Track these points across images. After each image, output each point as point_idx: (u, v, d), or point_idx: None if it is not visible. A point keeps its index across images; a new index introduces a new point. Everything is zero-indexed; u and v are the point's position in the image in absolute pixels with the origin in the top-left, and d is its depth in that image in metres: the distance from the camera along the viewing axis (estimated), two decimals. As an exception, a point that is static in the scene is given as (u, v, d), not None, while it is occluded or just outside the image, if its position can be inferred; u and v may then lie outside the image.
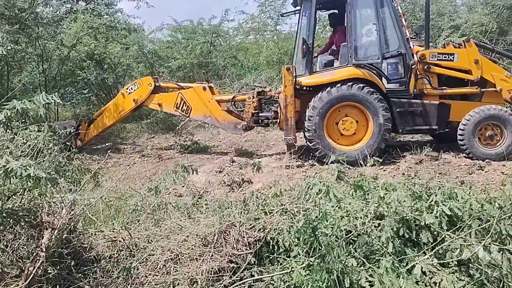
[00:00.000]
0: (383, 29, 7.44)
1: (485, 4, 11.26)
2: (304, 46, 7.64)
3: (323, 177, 3.49)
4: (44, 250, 2.85)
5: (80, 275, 3.15)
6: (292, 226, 2.99)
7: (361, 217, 2.73)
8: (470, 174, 6.45)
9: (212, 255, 2.96)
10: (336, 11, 8.53)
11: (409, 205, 2.63)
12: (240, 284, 2.80)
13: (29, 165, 2.34)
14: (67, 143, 8.27)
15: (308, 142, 7.56)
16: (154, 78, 9.15)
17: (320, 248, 2.50)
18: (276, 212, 3.16)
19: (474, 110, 7.12)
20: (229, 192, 6.46)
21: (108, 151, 9.12)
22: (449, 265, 2.45)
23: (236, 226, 3.16)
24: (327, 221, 2.65)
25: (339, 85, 7.18)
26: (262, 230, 3.15)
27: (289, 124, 7.52)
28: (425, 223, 2.55)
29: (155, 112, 12.13)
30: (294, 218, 2.97)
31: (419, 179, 3.71)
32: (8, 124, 3.18)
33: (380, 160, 6.38)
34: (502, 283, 2.32)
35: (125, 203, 4.29)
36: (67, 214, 3.15)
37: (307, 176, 3.71)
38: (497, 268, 2.31)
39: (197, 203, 4.73)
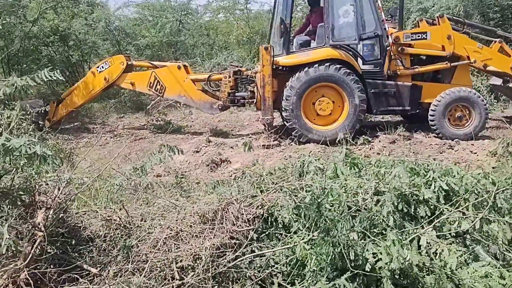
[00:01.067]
0: (360, 10, 7.55)
1: (452, -12, 11.59)
2: (281, 26, 7.63)
3: (317, 155, 3.56)
4: (42, 229, 2.79)
5: (76, 254, 3.10)
6: (291, 202, 3.06)
7: (361, 193, 2.83)
8: (441, 153, 6.74)
9: (213, 232, 2.99)
10: None
11: (408, 181, 2.76)
12: (243, 260, 2.85)
13: (33, 143, 2.27)
14: (39, 122, 8.02)
15: (285, 122, 7.66)
16: (126, 56, 8.92)
17: (325, 222, 2.57)
18: (275, 190, 3.22)
19: (444, 92, 7.41)
20: (208, 172, 6.48)
21: (78, 131, 8.95)
22: (446, 237, 2.59)
23: (234, 204, 3.20)
24: (332, 196, 2.74)
25: (316, 65, 7.29)
26: (260, 207, 3.20)
27: (267, 104, 7.57)
28: (423, 198, 2.68)
29: (123, 91, 11.85)
30: (295, 195, 3.03)
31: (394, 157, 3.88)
32: (6, 101, 3.04)
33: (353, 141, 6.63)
34: (496, 253, 2.49)
35: (109, 183, 4.22)
36: (62, 193, 3.08)
37: (301, 155, 3.77)
38: (492, 239, 2.47)
39: (181, 182, 4.74)
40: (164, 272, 2.84)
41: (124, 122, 10.58)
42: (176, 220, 3.17)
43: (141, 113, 11.20)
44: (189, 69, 8.83)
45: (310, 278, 2.62)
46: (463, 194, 2.67)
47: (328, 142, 7.01)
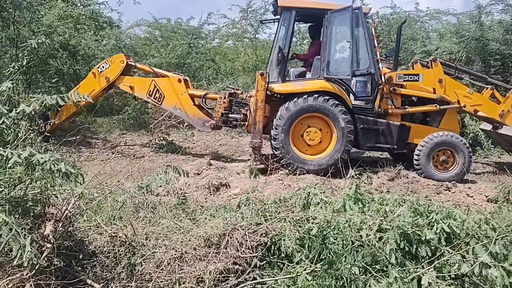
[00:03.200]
0: (356, 48, 7.79)
1: (455, 33, 11.94)
2: (279, 54, 7.82)
3: (320, 187, 3.65)
4: (51, 241, 2.84)
5: (79, 268, 3.14)
6: (295, 233, 3.13)
7: (365, 229, 2.91)
8: (438, 193, 6.83)
9: (217, 256, 3.05)
10: (313, 23, 8.77)
11: (411, 221, 2.85)
12: (245, 286, 2.90)
13: (58, 160, 2.35)
14: (41, 128, 8.07)
15: (273, 150, 7.80)
16: (126, 56, 9.03)
17: (329, 255, 2.64)
18: (279, 219, 3.29)
19: (428, 136, 7.57)
20: (208, 195, 6.53)
21: (79, 145, 9.00)
22: (445, 279, 2.67)
23: (239, 230, 3.26)
24: (339, 230, 2.82)
25: (307, 96, 7.46)
26: (264, 235, 3.27)
27: (257, 128, 7.70)
28: (425, 238, 2.76)
29: (127, 108, 11.99)
30: (299, 226, 3.11)
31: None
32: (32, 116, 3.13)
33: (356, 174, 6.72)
34: (494, 297, 2.56)
35: (112, 199, 4.27)
36: (72, 206, 3.14)
37: (306, 187, 3.85)
38: (490, 282, 2.55)
39: (184, 204, 4.79)
40: (167, 293, 2.89)
41: (126, 139, 10.65)
42: (181, 242, 3.24)
43: (144, 131, 11.29)
44: (189, 84, 8.93)
45: (310, 309, 2.67)
46: (464, 238, 2.76)
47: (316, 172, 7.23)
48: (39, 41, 8.18)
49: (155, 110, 12.19)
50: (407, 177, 7.50)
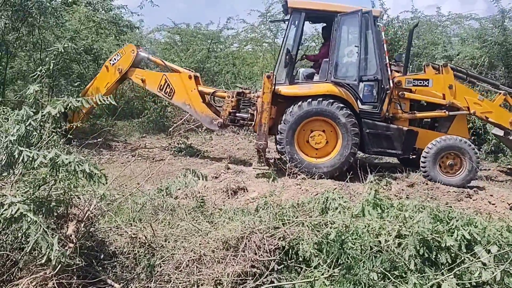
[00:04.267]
0: (364, 53, 7.72)
1: (477, 38, 11.76)
2: (287, 56, 7.82)
3: (338, 192, 3.65)
4: (74, 241, 2.91)
5: (100, 268, 3.21)
6: (313, 237, 3.14)
7: (384, 234, 2.90)
8: (458, 201, 6.72)
9: (235, 259, 3.07)
10: (326, 24, 8.69)
11: (431, 227, 2.82)
12: (263, 289, 2.91)
13: (82, 161, 2.42)
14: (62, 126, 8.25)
15: (279, 152, 7.79)
16: (137, 46, 9.11)
17: (347, 260, 2.64)
18: (297, 223, 3.30)
19: (436, 139, 7.48)
20: (226, 198, 6.57)
21: (100, 147, 9.15)
22: (466, 286, 2.63)
23: (257, 233, 3.28)
24: (358, 235, 2.82)
25: (314, 99, 7.46)
26: (282, 239, 3.28)
27: (262, 130, 7.70)
28: (445, 245, 2.73)
29: (147, 112, 12.15)
30: (317, 230, 3.11)
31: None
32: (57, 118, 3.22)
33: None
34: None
35: (132, 201, 4.33)
36: (94, 207, 3.21)
37: (324, 191, 3.85)
38: (512, 291, 2.51)
39: (202, 207, 4.82)
40: (185, 294, 2.93)
41: (146, 142, 10.79)
42: (200, 244, 3.27)
43: (163, 134, 11.41)
44: (199, 80, 8.97)
45: (328, 314, 2.67)
46: (485, 245, 2.72)
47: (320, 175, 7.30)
48: (65, 45, 8.39)
49: (174, 114, 12.33)
50: (427, 184, 7.42)
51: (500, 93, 7.97)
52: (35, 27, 9.92)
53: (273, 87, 7.59)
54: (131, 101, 13.14)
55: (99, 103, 3.18)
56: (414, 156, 7.91)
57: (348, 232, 2.88)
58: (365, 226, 3.07)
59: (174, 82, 8.72)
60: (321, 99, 7.44)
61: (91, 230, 3.28)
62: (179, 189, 5.50)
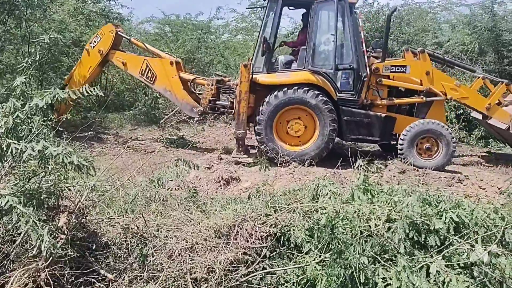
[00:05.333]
0: (340, 40, 7.77)
1: (467, 24, 11.79)
2: (264, 45, 7.81)
3: (330, 179, 3.67)
4: (65, 232, 2.90)
5: (92, 259, 3.21)
6: (304, 223, 3.16)
7: (374, 219, 2.93)
8: (449, 186, 6.79)
9: (227, 247, 3.09)
10: (305, 10, 8.62)
11: (420, 211, 2.85)
12: (255, 276, 2.94)
13: (70, 153, 2.41)
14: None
15: (257, 139, 7.85)
16: (115, 25, 9.03)
17: (338, 245, 2.67)
18: (288, 210, 3.32)
19: (413, 123, 7.58)
20: (218, 188, 6.58)
21: (91, 140, 9.10)
22: (454, 268, 2.67)
23: (248, 221, 3.30)
24: (347, 220, 2.84)
25: (292, 88, 7.50)
26: (273, 226, 3.30)
27: (241, 119, 7.75)
28: (434, 227, 2.77)
29: (138, 104, 12.08)
30: (308, 216, 3.13)
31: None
32: (45, 110, 3.20)
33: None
34: (502, 285, 2.56)
35: (124, 193, 4.33)
36: (85, 199, 3.21)
37: (314, 178, 3.87)
38: (499, 271, 2.55)
39: (195, 197, 4.83)
40: (178, 283, 2.94)
41: (137, 134, 10.75)
42: (192, 233, 3.28)
43: (154, 126, 11.38)
44: (181, 66, 8.90)
45: (319, 298, 2.70)
46: (473, 227, 2.77)
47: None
48: (51, 36, 8.28)
49: (166, 106, 12.27)
50: (418, 170, 7.47)
51: (478, 78, 8.05)
52: (22, 20, 9.78)
53: (250, 76, 7.59)
54: (122, 93, 13.07)
55: (86, 94, 3.16)
56: (394, 142, 7.99)
57: (339, 217, 2.90)
58: (355, 211, 3.10)
59: (155, 67, 8.66)
60: (298, 87, 7.47)
61: (82, 221, 3.28)
62: (172, 180, 5.52)
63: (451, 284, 2.45)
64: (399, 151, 7.63)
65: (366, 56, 7.74)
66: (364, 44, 7.79)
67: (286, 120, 7.72)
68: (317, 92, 7.46)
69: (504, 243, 2.64)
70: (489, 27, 11.03)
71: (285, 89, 7.48)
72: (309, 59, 7.62)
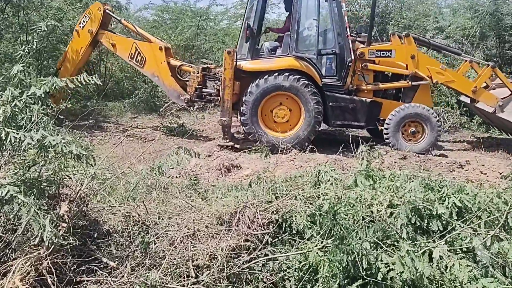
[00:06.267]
0: (322, 27, 7.73)
1: (469, 8, 11.67)
2: (247, 31, 7.70)
3: (331, 165, 3.65)
4: (66, 220, 2.90)
5: (94, 247, 3.21)
6: (306, 210, 3.15)
7: (376, 204, 2.92)
8: (451, 171, 6.78)
9: (229, 234, 3.09)
10: None
11: (422, 196, 2.84)
12: (257, 262, 2.94)
13: (69, 142, 2.39)
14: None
15: (242, 126, 7.83)
16: (103, 3, 8.90)
17: (340, 231, 2.66)
18: (290, 197, 3.31)
19: (398, 108, 7.59)
20: (219, 176, 6.57)
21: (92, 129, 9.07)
22: (457, 252, 2.67)
23: (250, 208, 3.29)
24: (349, 206, 2.83)
25: (276, 74, 7.46)
26: (275, 212, 3.30)
27: (225, 106, 7.72)
28: (436, 213, 2.76)
29: (137, 92, 12.01)
30: (310, 203, 3.12)
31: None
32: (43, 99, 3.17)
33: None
34: (505, 269, 2.56)
35: (126, 181, 4.32)
36: (86, 187, 3.20)
37: (316, 165, 3.85)
38: (502, 255, 2.55)
39: (196, 184, 4.82)
40: (180, 270, 2.94)
41: (138, 122, 10.71)
42: (193, 220, 3.28)
43: (155, 114, 11.33)
44: (171, 52, 8.85)
45: (321, 284, 2.70)
46: (476, 212, 2.75)
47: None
48: (48, 24, 8.20)
49: (165, 94, 12.21)
50: (419, 156, 7.46)
51: (465, 61, 8.00)
52: (20, 8, 9.69)
53: (234, 63, 7.53)
54: (121, 82, 12.99)
55: (84, 83, 3.12)
56: (383, 127, 7.96)
57: (341, 203, 2.89)
58: (358, 197, 3.08)
59: (145, 51, 8.58)
60: (282, 74, 7.42)
61: (83, 209, 3.27)
62: (172, 167, 5.51)
63: (454, 269, 2.45)
64: (384, 135, 7.65)
65: (350, 41, 7.67)
66: (348, 29, 7.72)
67: (271, 106, 7.70)
68: (302, 79, 7.42)
69: (507, 227, 2.63)
70: (491, 11, 10.91)
71: (271, 75, 7.45)
72: (293, 45, 7.56)
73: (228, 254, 2.94)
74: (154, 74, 8.65)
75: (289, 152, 7.59)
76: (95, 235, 3.23)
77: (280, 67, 7.51)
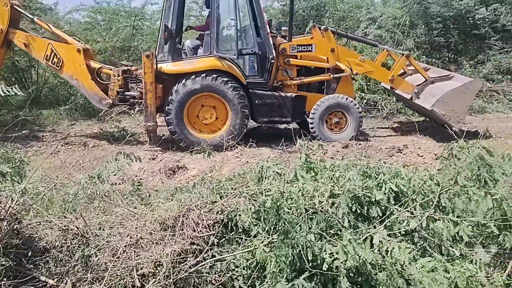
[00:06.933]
0: (240, 26, 7.76)
1: (398, -2, 12.18)
2: (166, 32, 7.51)
3: (276, 160, 3.67)
4: (-4, 241, 2.71)
5: (31, 265, 3.03)
6: (251, 207, 3.14)
7: (318, 196, 2.96)
8: (390, 156, 7.06)
9: (173, 239, 3.02)
10: None
11: (361, 184, 2.91)
12: (204, 265, 2.89)
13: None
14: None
15: (167, 125, 7.70)
16: None
17: (284, 225, 2.67)
18: (234, 195, 3.28)
19: (321, 99, 7.78)
20: (165, 179, 6.44)
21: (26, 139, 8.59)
22: (396, 236, 2.76)
23: (194, 210, 3.23)
24: (292, 199, 2.85)
25: (198, 76, 7.36)
26: (220, 212, 3.26)
27: (149, 111, 7.59)
28: (375, 199, 2.84)
29: (74, 98, 11.50)
30: (254, 200, 3.12)
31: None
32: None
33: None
34: (441, 247, 2.68)
35: (64, 192, 4.12)
36: (16, 203, 3.00)
37: (260, 160, 3.85)
38: (437, 236, 2.66)
39: (139, 190, 4.69)
40: (125, 280, 2.84)
41: (76, 129, 10.25)
42: (136, 228, 3.17)
43: (94, 120, 10.91)
44: (90, 54, 8.50)
45: (269, 280, 2.71)
46: (411, 195, 2.86)
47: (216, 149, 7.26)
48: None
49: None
50: (360, 144, 7.70)
51: (383, 50, 8.36)
52: None
53: (154, 66, 7.35)
54: (56, 88, 12.38)
55: (3, 95, 2.92)
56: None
57: (283, 198, 2.91)
58: (300, 190, 3.11)
59: (61, 52, 8.12)
60: (205, 74, 7.34)
61: (16, 227, 3.07)
62: (114, 174, 5.32)
63: (394, 252, 2.53)
64: (310, 127, 7.77)
65: (271, 38, 7.73)
66: (268, 26, 7.78)
67: (197, 108, 7.61)
68: (226, 79, 7.38)
69: (440, 207, 2.76)
70: (418, 0, 11.42)
71: (193, 76, 7.34)
72: (213, 44, 7.49)
73: (173, 259, 2.87)
74: (73, 77, 8.23)
75: (235, 148, 7.58)
76: (30, 253, 3.04)
77: (203, 68, 7.41)
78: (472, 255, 2.57)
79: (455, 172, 2.91)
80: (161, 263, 2.85)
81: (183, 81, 7.35)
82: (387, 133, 9.02)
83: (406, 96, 8.31)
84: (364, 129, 9.19)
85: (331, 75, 7.96)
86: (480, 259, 2.57)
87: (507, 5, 11.61)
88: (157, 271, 2.83)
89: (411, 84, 8.13)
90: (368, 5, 12.93)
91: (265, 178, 3.42)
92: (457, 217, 2.65)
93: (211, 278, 2.91)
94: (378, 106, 10.15)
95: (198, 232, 3.09)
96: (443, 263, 2.50)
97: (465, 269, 2.41)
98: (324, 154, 7.04)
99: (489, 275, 2.47)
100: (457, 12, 11.46)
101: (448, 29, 11.71)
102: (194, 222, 3.14)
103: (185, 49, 7.99)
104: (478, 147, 3.21)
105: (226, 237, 3.19)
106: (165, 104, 7.56)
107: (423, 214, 2.67)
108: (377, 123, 9.82)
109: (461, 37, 11.84)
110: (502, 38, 11.69)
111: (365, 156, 6.77)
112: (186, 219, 3.16)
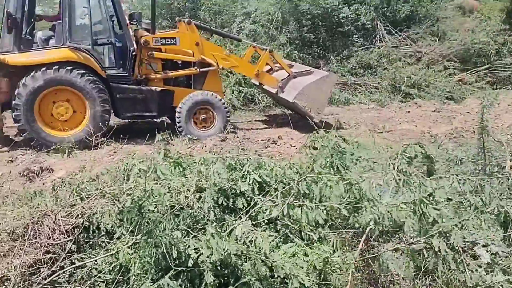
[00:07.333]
0: (94, 15, 7.41)
1: (270, -6, 12.53)
2: (9, 20, 6.88)
3: (143, 157, 3.53)
4: None
5: None
6: (114, 208, 2.97)
7: (183, 192, 2.90)
8: (266, 147, 7.31)
9: (24, 249, 2.72)
10: None
11: (226, 176, 2.92)
12: (62, 274, 2.66)
13: None
14: None
15: (15, 122, 7.15)
16: None
17: (147, 225, 2.57)
18: (95, 196, 3.08)
19: (186, 97, 7.74)
20: (26, 182, 5.87)
21: None
22: (261, 225, 2.83)
23: (49, 215, 2.96)
24: (154, 197, 2.74)
25: (50, 68, 6.90)
26: (80, 216, 3.03)
27: None
28: (240, 190, 2.87)
29: None
30: (117, 200, 2.95)
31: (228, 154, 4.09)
32: None
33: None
34: (301, 233, 2.81)
35: None
36: None
37: (126, 157, 3.67)
38: (297, 222, 2.79)
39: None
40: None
41: None
42: (-21, 242, 2.80)
43: None
44: None
45: (134, 282, 2.59)
46: (273, 184, 2.96)
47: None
48: None
49: None
50: (238, 137, 7.85)
51: (250, 46, 8.63)
52: None
53: None
54: None
55: None
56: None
57: (147, 196, 2.79)
58: (166, 186, 3.02)
59: None
60: (58, 67, 6.85)
61: None
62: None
63: (257, 241, 2.58)
64: (177, 124, 7.64)
65: (130, 30, 7.54)
66: (130, 18, 7.57)
67: (50, 103, 7.08)
68: (82, 71, 6.95)
69: (300, 195, 2.89)
70: (288, -3, 11.90)
71: (44, 69, 6.80)
72: (66, 34, 7.02)
73: (24, 272, 2.59)
74: None
75: (107, 146, 7.14)
76: None
77: (54, 59, 6.88)
78: (329, 238, 2.73)
79: (311, 160, 3.06)
80: (8, 278, 2.54)
81: (32, 73, 6.72)
82: (263, 126, 9.30)
83: (272, 90, 8.51)
84: (242, 121, 9.40)
85: (198, 69, 7.86)
86: (337, 240, 2.76)
87: (366, 5, 12.70)
88: (4, 286, 2.53)
89: (276, 79, 8.36)
90: (243, 0, 13.15)
91: (131, 176, 3.26)
92: (313, 202, 2.79)
93: (70, 287, 2.69)
94: (255, 100, 10.39)
95: (55, 240, 2.83)
96: (303, 247, 2.62)
97: (322, 252, 2.56)
98: (203, 148, 7.05)
99: (344, 256, 2.65)
100: (324, 10, 12.18)
101: (316, 26, 12.39)
102: (49, 228, 2.87)
103: (37, 42, 7.26)
104: (336, 136, 3.41)
105: (89, 242, 2.97)
106: (13, 95, 6.86)
107: (284, 202, 2.77)
108: (255, 116, 10.08)
109: (329, 34, 12.62)
110: (363, 36, 12.75)
111: (242, 149, 6.99)
112: (40, 226, 2.87)
